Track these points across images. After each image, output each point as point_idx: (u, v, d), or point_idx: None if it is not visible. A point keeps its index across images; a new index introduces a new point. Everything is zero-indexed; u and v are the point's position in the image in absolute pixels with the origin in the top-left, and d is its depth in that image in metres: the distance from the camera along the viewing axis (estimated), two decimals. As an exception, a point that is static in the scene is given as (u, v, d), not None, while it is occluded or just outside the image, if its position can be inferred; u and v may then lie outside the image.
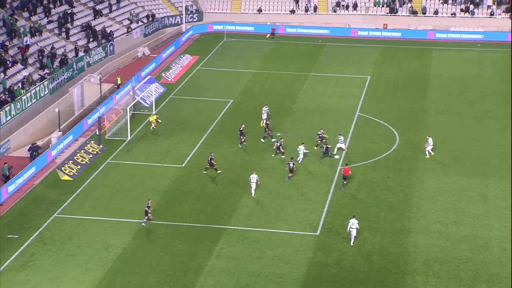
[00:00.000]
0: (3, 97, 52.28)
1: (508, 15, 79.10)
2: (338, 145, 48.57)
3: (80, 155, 48.51)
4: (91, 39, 67.25)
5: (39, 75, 57.95)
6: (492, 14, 79.86)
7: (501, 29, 78.36)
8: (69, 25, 67.13)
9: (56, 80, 57.39)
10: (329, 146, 48.11)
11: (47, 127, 53.83)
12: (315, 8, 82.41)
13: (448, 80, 64.27)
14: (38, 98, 54.56)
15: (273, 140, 50.74)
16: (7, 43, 59.84)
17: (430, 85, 63.01)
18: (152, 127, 53.42)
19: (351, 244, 38.29)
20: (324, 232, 39.60)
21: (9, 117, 50.91)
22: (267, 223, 40.67)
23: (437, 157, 48.61)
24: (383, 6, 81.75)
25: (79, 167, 47.40)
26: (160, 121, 54.15)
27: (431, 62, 69.31)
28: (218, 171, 46.24)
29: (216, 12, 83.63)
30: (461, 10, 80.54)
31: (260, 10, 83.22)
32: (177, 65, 68.19)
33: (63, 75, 58.72)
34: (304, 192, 44.12)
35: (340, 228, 39.94)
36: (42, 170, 47.60)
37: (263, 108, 54.31)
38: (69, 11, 68.73)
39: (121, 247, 38.22)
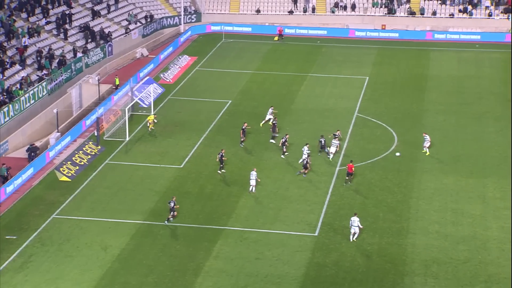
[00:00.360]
0: (1, 98, 52.23)
1: (506, 15, 79.19)
2: (332, 148, 48.28)
3: (78, 156, 48.47)
4: (89, 40, 67.22)
5: (37, 76, 57.92)
6: (490, 14, 79.93)
7: (499, 29, 78.44)
8: (67, 26, 67.10)
9: (54, 81, 57.36)
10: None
11: (45, 128, 53.79)
12: (313, 9, 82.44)
13: (446, 81, 64.32)
14: (36, 99, 54.52)
15: (271, 140, 50.84)
16: (5, 44, 59.80)
17: (428, 86, 63.06)
18: (150, 128, 53.40)
19: (350, 240, 38.44)
20: (322, 233, 39.61)
21: (7, 118, 50.87)
22: (266, 223, 40.67)
23: (435, 158, 48.63)
24: (381, 7, 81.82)
25: (77, 168, 47.37)
26: (156, 121, 54.13)
27: (429, 63, 69.36)
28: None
29: (215, 13, 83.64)
30: (459, 10, 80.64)
31: (258, 11, 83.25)
32: (175, 65, 68.18)
33: (61, 76, 58.69)
34: (302, 193, 44.12)
35: (338, 228, 39.95)
36: (40, 171, 47.56)
37: (269, 110, 54.45)
38: (67, 12, 68.69)
39: (119, 248, 38.20)
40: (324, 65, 68.63)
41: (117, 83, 62.79)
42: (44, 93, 55.73)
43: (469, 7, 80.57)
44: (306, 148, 47.36)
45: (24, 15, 65.52)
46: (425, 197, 43.41)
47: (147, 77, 63.45)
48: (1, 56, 57.68)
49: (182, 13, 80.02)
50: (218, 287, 35.06)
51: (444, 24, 79.80)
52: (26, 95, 53.31)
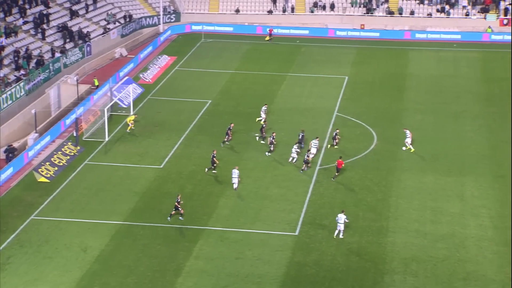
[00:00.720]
0: (-21, 98, 51.79)
1: (483, 15, 79.96)
2: (313, 150, 48.38)
3: (57, 157, 48.16)
4: (67, 40, 66.78)
5: (15, 76, 57.39)
6: (467, 14, 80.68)
7: (476, 29, 79.19)
8: (45, 26, 66.58)
9: (32, 81, 56.90)
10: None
11: (24, 128, 53.35)
12: (293, 9, 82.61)
13: (424, 80, 64.78)
14: (14, 99, 54.04)
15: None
16: (-18, 44, 59.28)
17: (407, 85, 63.47)
18: (130, 128, 53.19)
19: (334, 236, 38.62)
20: (303, 232, 39.72)
21: (-16, 119, 50.41)
22: (246, 223, 40.70)
23: (414, 157, 48.98)
24: (360, 6, 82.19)
25: (56, 168, 47.07)
26: (136, 120, 53.89)
27: (408, 62, 69.81)
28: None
29: (194, 13, 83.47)
30: (437, 10, 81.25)
31: (238, 11, 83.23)
32: (155, 65, 67.96)
33: (39, 76, 58.23)
34: (283, 192, 44.21)
35: (319, 228, 40.10)
36: (18, 172, 47.18)
37: (262, 108, 54.73)
38: (45, 12, 68.16)
39: (99, 249, 38.02)
40: (303, 65, 68.80)
41: (96, 83, 62.45)
42: (22, 94, 55.25)
43: (447, 7, 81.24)
44: (295, 147, 47.44)
45: (1, 15, 64.90)
46: (404, 196, 43.71)
47: (126, 77, 63.17)
48: (-22, 56, 57.16)
49: (161, 13, 79.77)
50: (198, 287, 35.03)
51: (422, 23, 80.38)
52: (4, 96, 52.81)
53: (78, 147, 50.17)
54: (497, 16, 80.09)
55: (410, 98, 60.37)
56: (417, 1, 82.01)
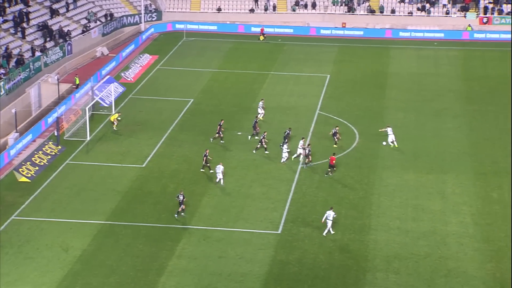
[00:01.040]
0: (-42, 98, 51.30)
1: (463, 13, 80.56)
2: (299, 150, 48.43)
3: (38, 156, 47.84)
4: (48, 39, 66.32)
5: (-5, 75, 56.98)
6: (447, 13, 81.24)
7: (456, 27, 79.80)
8: (25, 25, 66.09)
9: (12, 81, 56.45)
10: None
11: (4, 128, 52.91)
12: (274, 7, 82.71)
13: (406, 78, 65.15)
14: (-6, 98, 53.63)
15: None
16: (-39, 43, 58.74)
17: (388, 83, 63.81)
18: (115, 127, 52.97)
19: (324, 234, 38.83)
20: (285, 231, 39.79)
21: (-36, 119, 49.95)
22: (229, 222, 40.71)
23: (395, 154, 49.25)
24: (341, 5, 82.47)
25: (37, 168, 46.76)
26: (119, 119, 53.74)
27: (389, 61, 70.17)
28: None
29: (175, 11, 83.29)
30: (418, 9, 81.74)
31: (219, 9, 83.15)
32: (136, 64, 67.72)
33: (20, 76, 57.79)
34: (265, 191, 44.26)
35: (301, 226, 40.20)
36: (-1, 172, 46.88)
37: (259, 103, 54.97)
38: (24, 11, 67.67)
39: (81, 249, 37.85)
40: (285, 63, 68.91)
41: (77, 82, 62.10)
42: (2, 93, 54.78)
43: (427, 5, 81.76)
44: (285, 147, 47.62)
45: (-20, 13, 64.41)
46: (386, 194, 43.93)
47: (108, 76, 62.88)
48: (-43, 55, 56.62)
49: (143, 11, 79.49)
50: (181, 286, 34.99)
51: (403, 22, 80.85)
52: (-16, 95, 52.41)
53: (59, 147, 49.88)
54: (477, 14, 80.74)
55: (392, 96, 60.70)
56: (398, 0, 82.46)
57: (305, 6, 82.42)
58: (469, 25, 79.38)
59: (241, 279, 35.53)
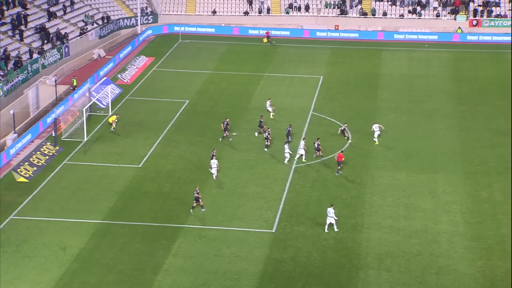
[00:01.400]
0: (-44, 99, 51.79)
1: (453, 16, 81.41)
2: (301, 150, 49.01)
3: (36, 157, 48.37)
4: (45, 41, 66.87)
5: (-7, 77, 57.51)
6: (438, 15, 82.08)
7: (446, 30, 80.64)
8: (23, 27, 66.61)
9: (10, 82, 57.00)
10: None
11: (2, 129, 53.39)
12: (268, 10, 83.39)
13: (397, 80, 65.82)
14: (-8, 100, 54.16)
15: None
16: (-41, 45, 59.21)
17: (380, 85, 64.45)
18: (113, 128, 53.56)
19: (325, 231, 39.48)
20: (279, 229, 40.31)
21: (-38, 120, 50.45)
22: (224, 221, 41.25)
23: (387, 154, 49.90)
24: (334, 8, 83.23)
25: (35, 168, 47.28)
26: (117, 120, 54.31)
27: (381, 62, 70.82)
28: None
29: (171, 14, 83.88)
30: (409, 11, 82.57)
31: (214, 12, 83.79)
32: (133, 66, 68.30)
33: (18, 77, 58.35)
34: (260, 190, 44.81)
35: (295, 225, 40.78)
36: (-3, 172, 47.37)
37: (267, 103, 55.98)
38: (22, 13, 68.17)
39: (78, 248, 38.31)
40: (279, 65, 69.54)
41: (75, 84, 62.66)
42: (0, 94, 55.33)
43: (418, 8, 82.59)
44: (287, 147, 48.05)
45: (-22, 16, 64.89)
46: (378, 193, 44.52)
47: (105, 78, 63.48)
48: (-45, 57, 57.09)
49: (139, 14, 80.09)
50: (177, 284, 35.47)
51: (394, 24, 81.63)
52: (-18, 97, 52.92)
53: (57, 147, 50.43)
54: (467, 17, 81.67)
55: (384, 97, 61.38)
56: (390, 3, 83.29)
57: (299, 8, 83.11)
58: (459, 28, 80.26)
59: (236, 277, 36.07)
